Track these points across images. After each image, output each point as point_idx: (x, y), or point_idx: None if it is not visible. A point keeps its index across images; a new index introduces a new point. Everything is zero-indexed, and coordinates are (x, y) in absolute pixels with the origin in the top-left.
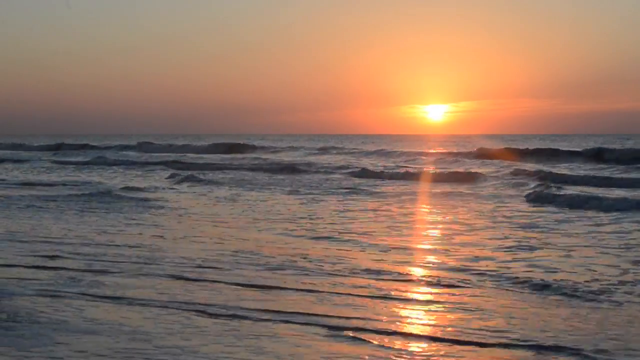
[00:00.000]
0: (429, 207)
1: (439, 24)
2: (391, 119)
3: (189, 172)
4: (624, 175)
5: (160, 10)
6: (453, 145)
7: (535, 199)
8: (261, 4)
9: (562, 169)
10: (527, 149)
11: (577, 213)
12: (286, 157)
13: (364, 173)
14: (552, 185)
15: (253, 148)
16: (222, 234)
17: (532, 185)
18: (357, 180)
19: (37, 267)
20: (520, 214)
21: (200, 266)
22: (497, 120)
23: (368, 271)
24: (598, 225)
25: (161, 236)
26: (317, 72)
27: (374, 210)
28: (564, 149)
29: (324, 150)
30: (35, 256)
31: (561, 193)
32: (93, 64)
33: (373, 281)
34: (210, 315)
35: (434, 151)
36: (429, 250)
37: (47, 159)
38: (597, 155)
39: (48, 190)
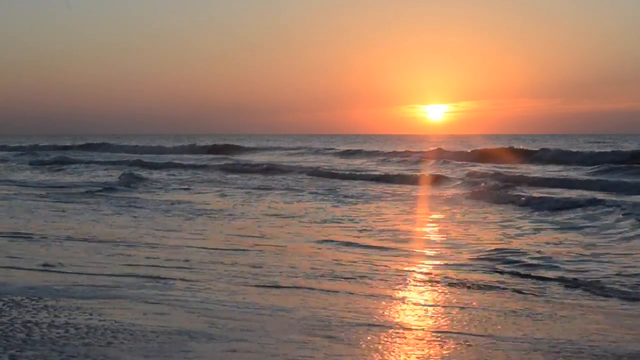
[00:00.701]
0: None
1: (439, 24)
2: (391, 119)
3: (133, 171)
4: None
5: (160, 10)
6: (441, 145)
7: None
8: (261, 4)
9: (521, 170)
10: (487, 149)
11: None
12: (255, 158)
13: (316, 172)
14: (508, 186)
15: (227, 148)
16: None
17: (485, 186)
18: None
19: (136, 275)
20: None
21: (313, 275)
22: (497, 120)
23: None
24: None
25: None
26: (317, 71)
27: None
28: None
29: (295, 150)
30: (129, 265)
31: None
32: (93, 64)
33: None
34: (361, 325)
35: (393, 151)
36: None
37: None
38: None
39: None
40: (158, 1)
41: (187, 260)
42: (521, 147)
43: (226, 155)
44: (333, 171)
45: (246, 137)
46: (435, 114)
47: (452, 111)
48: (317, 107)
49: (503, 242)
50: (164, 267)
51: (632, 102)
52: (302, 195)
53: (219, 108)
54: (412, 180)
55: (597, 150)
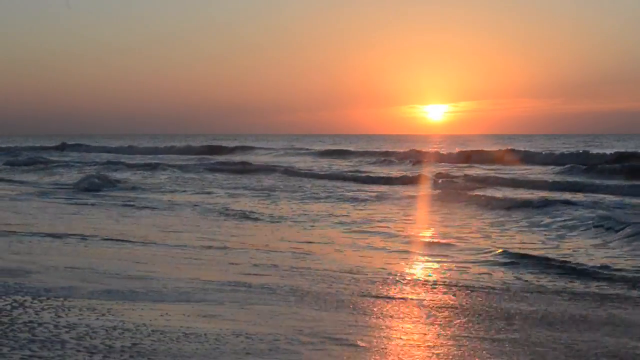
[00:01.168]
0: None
1: (439, 24)
2: (391, 119)
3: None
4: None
5: (160, 10)
6: (437, 145)
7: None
8: (261, 4)
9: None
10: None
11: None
12: (252, 158)
13: (288, 172)
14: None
15: (223, 149)
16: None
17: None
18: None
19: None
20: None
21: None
22: (497, 120)
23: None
24: None
25: (310, 247)
26: (317, 72)
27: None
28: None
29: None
30: (219, 270)
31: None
32: (93, 64)
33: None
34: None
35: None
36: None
37: None
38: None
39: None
40: (158, 1)
41: (275, 266)
42: (494, 148)
43: (220, 155)
44: (324, 172)
45: (246, 137)
46: (435, 114)
47: (452, 111)
48: (317, 107)
49: (546, 245)
50: (254, 274)
51: (632, 102)
52: (308, 196)
53: (219, 108)
54: (388, 182)
55: (566, 152)
